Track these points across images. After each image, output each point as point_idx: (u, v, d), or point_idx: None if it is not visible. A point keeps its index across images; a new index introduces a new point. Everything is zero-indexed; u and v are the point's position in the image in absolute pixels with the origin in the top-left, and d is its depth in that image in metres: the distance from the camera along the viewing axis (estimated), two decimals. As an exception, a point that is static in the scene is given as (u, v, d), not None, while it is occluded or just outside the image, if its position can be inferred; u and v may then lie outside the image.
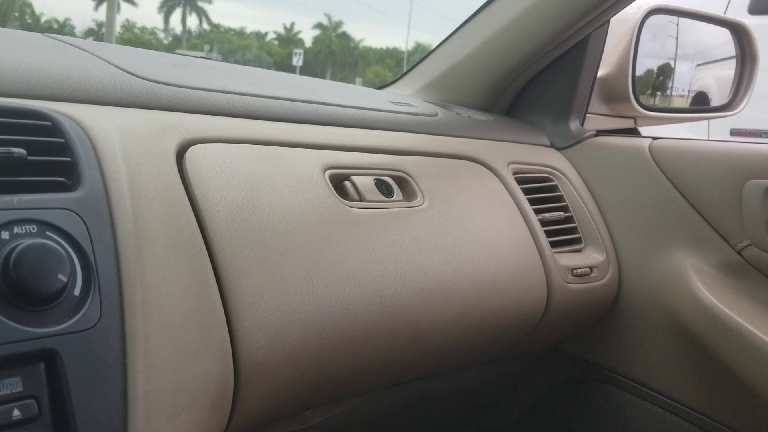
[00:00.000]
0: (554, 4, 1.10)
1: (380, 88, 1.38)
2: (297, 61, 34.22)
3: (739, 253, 0.99)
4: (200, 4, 57.63)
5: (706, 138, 3.36)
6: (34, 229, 0.48)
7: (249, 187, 0.67)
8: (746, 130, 3.40)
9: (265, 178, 0.70)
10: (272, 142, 0.76)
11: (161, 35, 60.89)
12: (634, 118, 1.28)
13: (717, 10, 3.27)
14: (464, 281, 0.82)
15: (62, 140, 0.55)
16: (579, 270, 1.01)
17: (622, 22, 1.17)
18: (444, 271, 0.80)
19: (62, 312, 0.48)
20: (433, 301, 0.78)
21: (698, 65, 1.39)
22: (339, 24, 60.96)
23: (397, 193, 0.83)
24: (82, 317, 0.48)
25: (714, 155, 1.05)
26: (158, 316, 0.53)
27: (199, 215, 0.62)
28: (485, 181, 0.96)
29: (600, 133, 1.20)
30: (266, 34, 69.29)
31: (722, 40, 1.32)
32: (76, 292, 0.49)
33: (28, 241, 0.47)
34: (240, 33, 69.38)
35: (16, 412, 0.44)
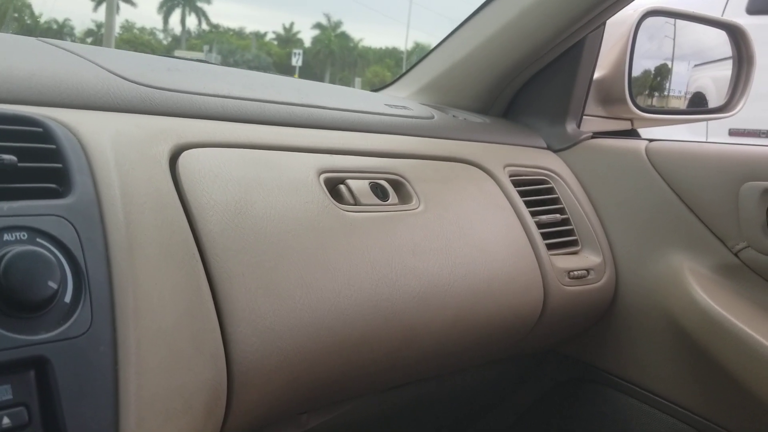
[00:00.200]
0: (550, 6, 1.09)
1: (376, 90, 1.38)
2: (296, 61, 34.24)
3: (736, 255, 0.99)
4: (199, 4, 57.68)
5: (705, 139, 3.36)
6: (24, 236, 0.48)
7: (243, 192, 0.67)
8: (745, 129, 3.40)
9: (259, 182, 0.69)
10: (266, 146, 0.75)
11: (160, 36, 60.97)
12: (630, 119, 1.27)
13: (715, 10, 3.28)
14: (460, 284, 0.82)
15: (53, 146, 0.55)
16: (575, 272, 1.01)
17: (618, 24, 1.17)
18: (439, 275, 0.80)
19: (53, 319, 0.47)
20: (428, 305, 0.78)
21: (695, 66, 1.39)
22: (338, 24, 61.00)
23: (393, 197, 0.83)
24: (72, 324, 0.48)
25: (711, 157, 1.05)
26: (150, 322, 0.53)
27: (192, 220, 0.62)
28: (481, 184, 0.96)
29: (597, 135, 1.20)
30: (265, 34, 69.35)
31: (719, 41, 1.32)
32: (67, 299, 0.49)
33: (18, 248, 0.47)
34: (239, 33, 69.40)
35: (5, 420, 0.44)
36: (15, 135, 0.53)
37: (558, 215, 1.05)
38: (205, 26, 61.61)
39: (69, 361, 0.47)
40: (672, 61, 1.34)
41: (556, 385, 1.21)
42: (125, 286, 0.52)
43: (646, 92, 1.32)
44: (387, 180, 0.84)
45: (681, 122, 1.52)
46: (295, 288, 0.66)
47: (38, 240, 0.49)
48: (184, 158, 0.66)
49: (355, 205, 0.78)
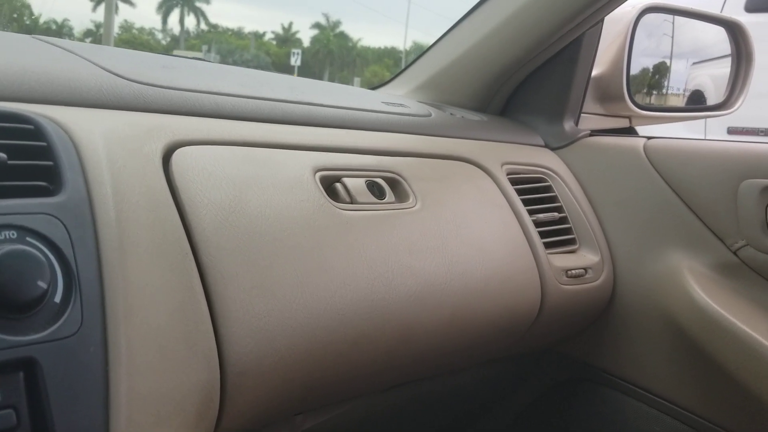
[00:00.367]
0: (548, 3, 1.09)
1: (374, 88, 1.37)
2: (295, 60, 34.21)
3: (734, 253, 0.98)
4: (198, 4, 57.62)
5: (704, 136, 3.36)
6: (14, 234, 0.47)
7: (237, 190, 0.66)
8: (743, 128, 3.39)
9: (253, 180, 0.69)
10: (261, 143, 0.75)
11: (159, 36, 60.94)
12: (629, 117, 1.27)
13: (714, 8, 3.27)
14: (457, 283, 0.81)
15: (44, 144, 0.54)
16: (573, 271, 1.00)
17: (616, 21, 1.17)
18: (436, 274, 0.79)
19: (42, 319, 0.47)
20: (425, 304, 0.77)
21: (694, 64, 1.38)
22: (337, 24, 60.95)
23: (389, 195, 0.82)
24: (62, 324, 0.47)
25: (709, 155, 1.04)
26: (141, 322, 0.52)
27: (186, 219, 0.61)
28: (478, 182, 0.95)
29: (594, 132, 1.20)
30: (264, 34, 69.36)
31: (718, 38, 1.31)
32: (57, 299, 0.48)
33: (7, 248, 0.46)
34: (238, 33, 69.38)
35: (-6, 423, 0.43)
36: (5, 132, 0.52)
37: (556, 213, 1.05)
38: (203, 26, 61.66)
39: (59, 363, 0.46)
40: (670, 58, 1.33)
41: (555, 385, 1.21)
42: (116, 285, 0.52)
43: (645, 90, 1.32)
44: (384, 178, 0.83)
45: (679, 120, 1.51)
46: (290, 287, 0.65)
47: (28, 239, 0.48)
48: (178, 156, 0.65)
49: (352, 203, 0.77)
